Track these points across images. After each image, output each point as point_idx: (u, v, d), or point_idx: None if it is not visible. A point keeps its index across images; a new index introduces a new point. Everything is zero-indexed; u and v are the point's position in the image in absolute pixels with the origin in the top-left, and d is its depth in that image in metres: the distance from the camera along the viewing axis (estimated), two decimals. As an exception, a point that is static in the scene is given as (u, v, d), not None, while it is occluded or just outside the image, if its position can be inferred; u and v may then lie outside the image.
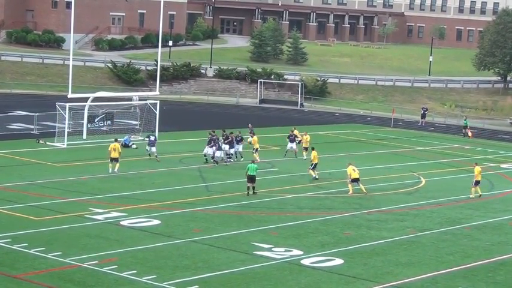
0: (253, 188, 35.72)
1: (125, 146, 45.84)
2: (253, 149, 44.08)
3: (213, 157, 42.55)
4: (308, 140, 46.24)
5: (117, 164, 38.89)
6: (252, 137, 45.38)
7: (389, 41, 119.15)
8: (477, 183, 38.73)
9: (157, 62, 57.56)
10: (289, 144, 46.56)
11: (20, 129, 51.51)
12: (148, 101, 52.34)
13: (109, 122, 52.62)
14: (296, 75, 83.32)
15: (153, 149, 43.44)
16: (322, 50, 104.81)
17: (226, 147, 43.60)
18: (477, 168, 38.86)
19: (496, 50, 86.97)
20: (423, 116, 70.71)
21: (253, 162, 36.96)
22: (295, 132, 47.85)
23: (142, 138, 48.48)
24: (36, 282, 23.05)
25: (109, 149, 39.14)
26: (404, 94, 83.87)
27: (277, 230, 30.46)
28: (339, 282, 24.82)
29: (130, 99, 56.32)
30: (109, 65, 79.13)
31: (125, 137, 47.26)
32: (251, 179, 35.64)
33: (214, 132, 43.93)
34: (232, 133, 44.55)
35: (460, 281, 25.74)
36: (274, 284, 24.23)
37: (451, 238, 30.98)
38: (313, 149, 41.45)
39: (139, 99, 55.78)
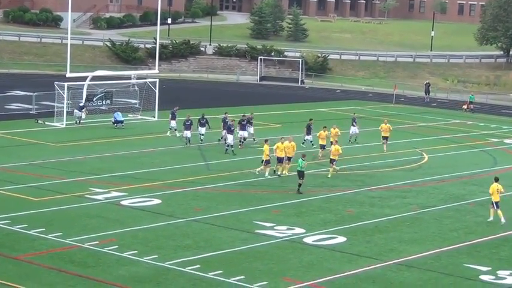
0: (299, 185, 32.68)
1: (116, 122, 45.89)
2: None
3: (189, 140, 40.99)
4: (337, 133, 40.87)
5: (284, 166, 34.98)
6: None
7: (391, 16, 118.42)
8: (332, 161, 36.02)
9: (156, 40, 57.05)
10: (352, 129, 44.85)
11: (18, 109, 51.18)
12: (147, 80, 51.93)
13: (108, 101, 52.25)
14: (296, 51, 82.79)
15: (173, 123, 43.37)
16: (322, 26, 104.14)
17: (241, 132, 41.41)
18: (335, 147, 36.11)
19: (498, 24, 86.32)
20: (427, 91, 69.97)
21: (303, 157, 33.15)
22: (386, 126, 43.00)
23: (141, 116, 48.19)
24: (36, 263, 22.84)
25: (275, 148, 35.72)
26: (406, 70, 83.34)
27: (279, 208, 30.22)
28: (341, 260, 24.60)
29: (129, 77, 55.90)
30: (107, 43, 78.59)
31: (116, 113, 46.78)
32: (299, 174, 32.77)
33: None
34: (244, 115, 42.38)
35: (463, 257, 25.51)
36: (277, 263, 24.00)
37: (454, 214, 30.74)
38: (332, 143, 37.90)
39: (139, 78, 55.34)
